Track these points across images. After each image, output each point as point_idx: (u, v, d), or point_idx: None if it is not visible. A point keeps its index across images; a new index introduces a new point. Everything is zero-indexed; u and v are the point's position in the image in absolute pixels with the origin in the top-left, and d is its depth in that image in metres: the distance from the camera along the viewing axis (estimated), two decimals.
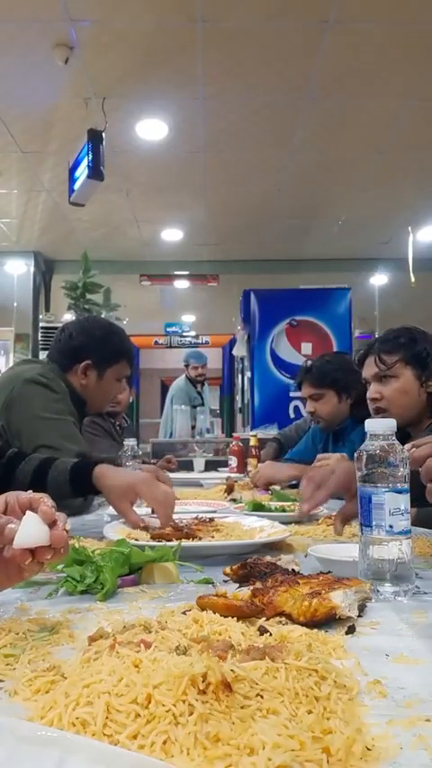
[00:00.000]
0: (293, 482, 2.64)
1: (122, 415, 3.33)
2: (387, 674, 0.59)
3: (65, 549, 0.71)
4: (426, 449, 1.66)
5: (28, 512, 0.70)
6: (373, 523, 0.87)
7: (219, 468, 3.69)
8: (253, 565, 0.92)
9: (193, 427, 5.67)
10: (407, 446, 1.86)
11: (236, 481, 2.54)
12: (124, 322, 5.47)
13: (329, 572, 0.86)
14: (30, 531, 0.68)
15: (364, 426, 0.94)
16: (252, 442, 3.04)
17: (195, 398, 6.22)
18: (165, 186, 6.07)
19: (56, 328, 5.28)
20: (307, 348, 5.60)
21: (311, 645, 0.60)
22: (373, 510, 0.87)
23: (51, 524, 0.69)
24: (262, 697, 0.48)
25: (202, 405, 6.25)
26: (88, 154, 4.40)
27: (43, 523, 0.69)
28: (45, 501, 0.72)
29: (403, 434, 1.80)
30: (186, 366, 6.27)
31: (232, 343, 8.10)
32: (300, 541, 1.33)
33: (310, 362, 2.77)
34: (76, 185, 4.66)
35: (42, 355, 5.19)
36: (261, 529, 1.31)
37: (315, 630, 0.70)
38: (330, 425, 2.63)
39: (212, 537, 1.27)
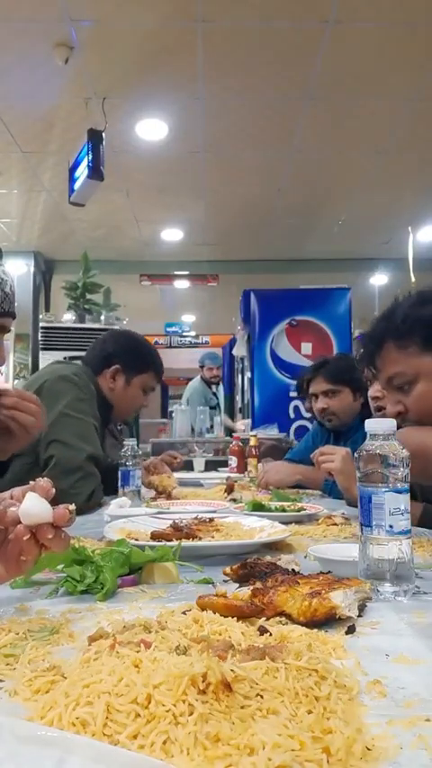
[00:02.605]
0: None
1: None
2: (387, 674, 0.59)
3: (65, 536, 0.71)
4: (334, 464, 1.67)
5: (29, 492, 0.70)
6: (373, 523, 0.87)
7: (219, 468, 3.69)
8: (253, 565, 0.92)
9: (212, 426, 5.72)
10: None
11: (236, 481, 2.54)
12: (124, 322, 5.47)
13: (329, 572, 0.86)
14: (32, 506, 0.68)
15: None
16: (252, 442, 3.04)
17: (211, 399, 6.30)
18: (165, 186, 6.07)
19: (56, 328, 5.31)
20: (307, 348, 5.60)
21: (311, 645, 0.60)
22: (373, 510, 0.87)
23: (53, 504, 0.70)
24: (262, 697, 0.48)
25: (218, 405, 6.34)
26: (88, 154, 4.40)
27: (45, 501, 0.69)
28: (42, 479, 0.73)
29: None
30: (201, 367, 6.37)
31: (232, 343, 8.10)
32: (300, 541, 1.33)
33: (323, 358, 2.75)
34: (76, 185, 4.66)
35: (42, 355, 5.19)
36: (261, 529, 1.31)
37: (315, 630, 0.70)
38: (342, 423, 2.60)
39: (212, 537, 1.27)
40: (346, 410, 2.56)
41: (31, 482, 0.75)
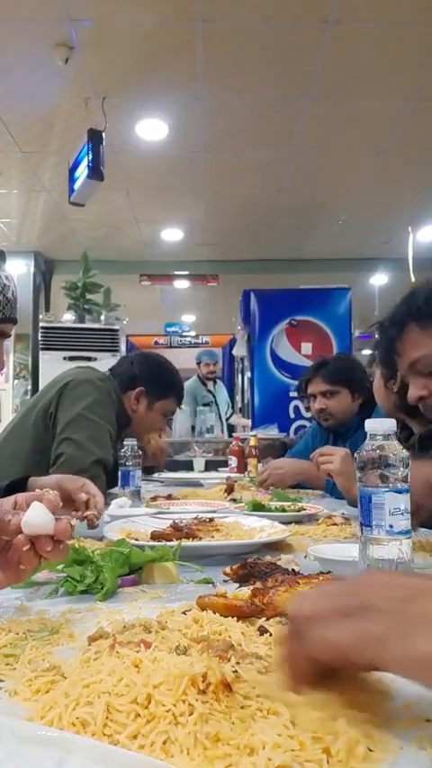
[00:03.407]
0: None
1: None
2: (387, 674, 0.59)
3: (64, 548, 0.71)
4: (333, 465, 1.64)
5: (34, 501, 0.70)
6: (373, 523, 0.87)
7: (219, 468, 3.69)
8: (253, 565, 0.92)
9: (212, 426, 5.67)
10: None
11: (236, 481, 2.54)
12: (124, 322, 5.47)
13: (329, 572, 0.86)
14: (35, 516, 0.68)
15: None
16: (252, 442, 3.04)
17: (205, 397, 6.22)
18: (165, 186, 6.07)
19: (56, 328, 5.30)
20: (307, 348, 5.60)
21: None
22: (373, 510, 0.87)
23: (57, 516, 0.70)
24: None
25: (214, 403, 6.24)
26: (88, 154, 4.40)
27: (49, 513, 0.69)
28: (50, 491, 0.73)
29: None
30: (198, 364, 6.30)
31: (232, 343, 8.10)
32: (300, 541, 1.33)
33: (323, 358, 2.76)
34: (76, 185, 4.66)
35: (42, 355, 5.19)
36: (261, 529, 1.31)
37: None
38: (339, 424, 2.61)
39: (212, 537, 1.27)
40: (344, 411, 2.57)
41: (38, 490, 0.75)
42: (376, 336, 1.56)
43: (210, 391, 6.31)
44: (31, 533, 0.68)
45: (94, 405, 1.99)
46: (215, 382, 6.42)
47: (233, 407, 7.18)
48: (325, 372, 2.60)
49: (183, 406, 5.77)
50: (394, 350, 1.38)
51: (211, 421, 5.75)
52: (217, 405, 6.30)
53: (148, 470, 3.01)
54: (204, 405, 6.11)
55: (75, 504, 1.29)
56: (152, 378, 2.26)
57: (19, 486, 1.34)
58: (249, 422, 5.65)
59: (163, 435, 3.12)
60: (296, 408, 5.36)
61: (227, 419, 6.48)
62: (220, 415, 6.20)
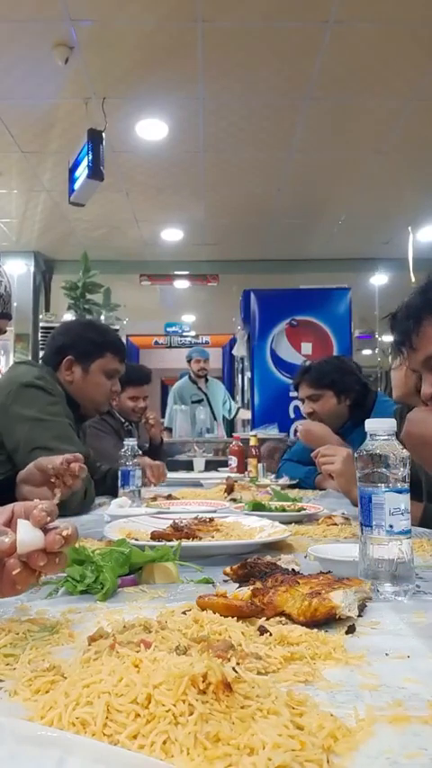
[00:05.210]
0: (294, 482, 2.65)
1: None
2: (387, 674, 0.59)
3: (61, 559, 0.70)
4: (334, 466, 1.64)
5: (19, 519, 0.70)
6: (373, 523, 0.87)
7: (219, 468, 3.69)
8: (253, 565, 0.92)
9: (208, 429, 5.62)
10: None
11: (236, 481, 2.54)
12: (124, 322, 5.47)
13: (329, 572, 0.86)
14: (24, 534, 0.68)
15: (364, 427, 0.94)
16: (252, 442, 3.04)
17: (194, 395, 6.15)
18: (165, 186, 6.07)
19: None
20: (307, 348, 5.60)
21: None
22: (373, 510, 0.87)
23: (48, 529, 0.69)
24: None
25: (206, 401, 6.15)
26: (88, 154, 4.40)
27: (36, 528, 0.68)
28: (38, 506, 0.71)
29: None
30: (189, 362, 6.23)
31: (232, 343, 8.10)
32: (300, 541, 1.33)
33: (308, 363, 2.77)
34: (76, 185, 4.66)
35: (42, 355, 5.17)
36: (261, 529, 1.31)
37: (315, 630, 0.70)
38: (329, 427, 2.62)
39: (212, 537, 1.27)
40: (330, 413, 2.57)
41: (36, 500, 0.74)
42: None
43: (200, 389, 6.23)
44: (24, 552, 0.68)
45: (46, 405, 1.88)
46: (207, 380, 6.32)
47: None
48: (309, 377, 2.62)
49: (182, 406, 5.78)
50: (409, 344, 1.31)
51: (203, 418, 5.69)
52: (209, 403, 6.20)
53: (154, 452, 3.00)
54: (194, 402, 6.03)
55: (55, 483, 1.24)
56: (77, 341, 2.07)
57: (8, 484, 1.33)
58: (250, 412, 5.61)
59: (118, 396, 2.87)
60: (296, 408, 5.36)
61: (234, 416, 6.42)
62: (213, 413, 6.11)
